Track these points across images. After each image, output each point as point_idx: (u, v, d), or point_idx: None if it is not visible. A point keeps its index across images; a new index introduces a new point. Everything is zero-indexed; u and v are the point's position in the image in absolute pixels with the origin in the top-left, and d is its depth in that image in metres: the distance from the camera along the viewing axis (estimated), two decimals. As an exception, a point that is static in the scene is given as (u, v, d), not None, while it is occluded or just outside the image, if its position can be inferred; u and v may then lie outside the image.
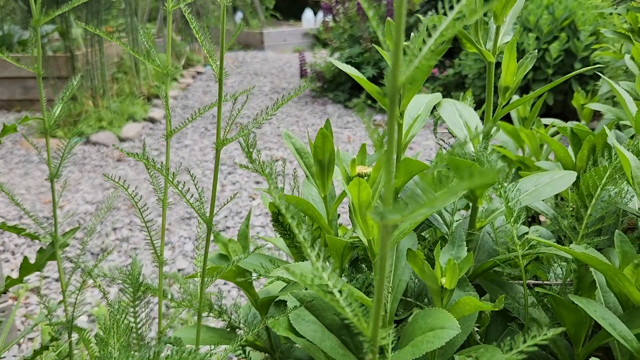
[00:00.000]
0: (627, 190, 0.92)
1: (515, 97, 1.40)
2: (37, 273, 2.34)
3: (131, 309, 0.84)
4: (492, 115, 0.77)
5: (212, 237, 0.90)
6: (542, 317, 0.73)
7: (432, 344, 0.56)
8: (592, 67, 0.77)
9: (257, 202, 3.03)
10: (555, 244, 0.63)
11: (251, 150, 0.77)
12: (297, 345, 0.94)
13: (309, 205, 0.74)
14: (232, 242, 0.85)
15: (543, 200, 0.95)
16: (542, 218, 1.26)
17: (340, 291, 0.36)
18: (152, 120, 4.45)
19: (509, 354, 0.36)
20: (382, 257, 0.32)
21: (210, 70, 6.73)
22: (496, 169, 0.68)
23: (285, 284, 0.82)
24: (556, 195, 1.15)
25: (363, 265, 0.76)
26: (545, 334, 0.36)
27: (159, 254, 0.69)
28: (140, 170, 3.50)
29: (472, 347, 0.66)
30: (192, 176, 0.64)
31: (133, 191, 0.79)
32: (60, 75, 4.16)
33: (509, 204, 0.64)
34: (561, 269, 0.82)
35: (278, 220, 0.84)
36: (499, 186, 0.69)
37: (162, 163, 0.63)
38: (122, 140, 3.99)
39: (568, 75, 0.70)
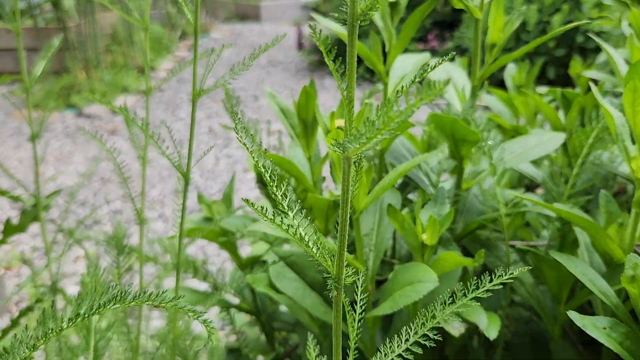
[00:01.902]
0: (618, 154, 0.91)
1: (513, 67, 1.38)
2: (31, 244, 2.34)
3: (115, 268, 0.84)
4: (479, 73, 0.75)
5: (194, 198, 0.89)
6: (526, 276, 0.73)
7: (410, 297, 0.56)
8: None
9: (251, 176, 3.02)
10: (540, 201, 0.62)
11: (234, 107, 0.76)
12: (282, 309, 0.94)
13: (292, 166, 0.73)
14: (216, 203, 0.84)
15: (536, 167, 0.94)
16: (539, 191, 1.25)
17: (307, 238, 0.35)
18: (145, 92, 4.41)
19: (474, 293, 0.35)
20: (344, 190, 0.31)
21: (207, 42, 6.65)
22: (480, 126, 0.67)
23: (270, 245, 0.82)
24: (552, 164, 1.14)
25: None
26: (512, 273, 0.35)
27: (139, 211, 0.68)
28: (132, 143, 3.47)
29: (455, 303, 0.66)
30: (168, 129, 0.63)
31: (126, 163, 0.77)
32: (53, 46, 4.10)
33: (493, 163, 0.63)
34: (548, 232, 0.81)
35: (263, 181, 0.83)
36: (484, 144, 0.68)
37: (142, 119, 0.62)
38: (114, 112, 3.96)
39: (548, 36, 0.68)
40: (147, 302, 0.41)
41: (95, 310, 0.39)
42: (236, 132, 0.35)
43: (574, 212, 0.62)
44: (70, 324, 0.38)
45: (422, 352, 0.61)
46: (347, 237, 0.34)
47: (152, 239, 1.04)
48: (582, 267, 0.62)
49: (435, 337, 0.36)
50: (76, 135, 3.58)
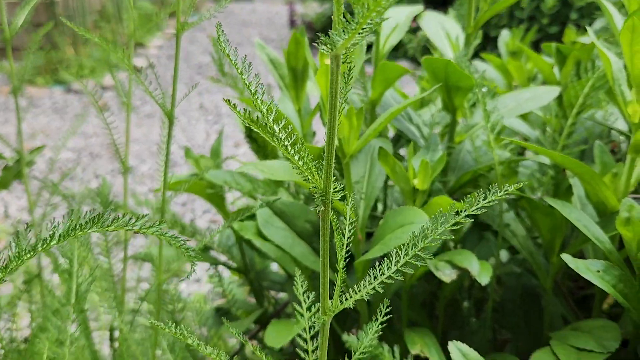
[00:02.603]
0: (612, 112, 0.90)
1: (507, 33, 1.36)
2: (17, 203, 2.31)
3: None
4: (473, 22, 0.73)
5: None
6: (519, 229, 0.72)
7: (401, 239, 0.54)
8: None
9: (243, 150, 3.00)
10: (533, 144, 0.61)
11: (223, 45, 0.74)
12: (272, 268, 0.93)
13: (282, 117, 0.71)
14: (204, 157, 0.82)
15: (530, 127, 0.92)
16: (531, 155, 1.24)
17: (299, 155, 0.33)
18: (135, 69, 4.35)
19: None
20: (332, 93, 0.30)
21: (197, 18, 6.56)
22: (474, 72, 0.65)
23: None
24: (545, 124, 1.13)
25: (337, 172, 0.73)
26: (507, 190, 0.34)
27: (123, 160, 0.66)
28: (123, 119, 3.44)
29: (447, 252, 0.65)
30: (155, 73, 0.61)
31: (117, 137, 0.75)
32: (40, 22, 4.03)
33: (487, 110, 0.62)
34: (542, 189, 0.80)
35: (251, 135, 0.82)
36: (477, 90, 0.66)
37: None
38: (104, 88, 3.91)
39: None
40: (127, 228, 0.39)
41: (74, 231, 0.37)
42: (227, 57, 0.33)
43: (570, 158, 0.61)
44: (45, 245, 0.36)
45: (413, 313, 0.59)
46: (334, 148, 0.33)
47: (140, 199, 1.02)
48: (576, 213, 0.61)
49: (426, 258, 0.35)
50: (65, 111, 3.53)
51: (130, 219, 0.39)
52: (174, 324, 0.39)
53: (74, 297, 0.55)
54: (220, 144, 0.84)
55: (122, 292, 0.70)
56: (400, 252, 0.36)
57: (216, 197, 0.77)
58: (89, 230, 0.39)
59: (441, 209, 0.59)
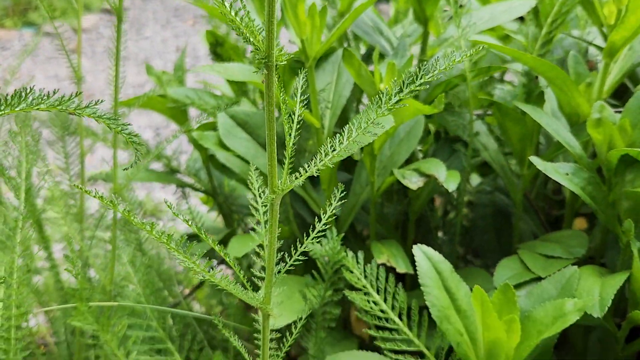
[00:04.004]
0: (590, 31, 0.88)
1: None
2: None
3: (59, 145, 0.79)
4: None
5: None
6: (490, 142, 0.70)
7: (366, 139, 0.52)
8: None
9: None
10: (504, 46, 0.58)
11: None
12: (240, 193, 0.91)
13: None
14: (166, 73, 0.78)
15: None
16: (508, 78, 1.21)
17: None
18: (109, 12, 4.20)
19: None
20: None
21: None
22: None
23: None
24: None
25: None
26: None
27: (76, 69, 0.62)
28: (97, 61, 3.33)
29: (414, 162, 0.63)
30: None
31: (88, 81, 0.71)
32: (6, -41, 3.83)
33: (457, 2, 0.59)
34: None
35: (216, 52, 0.78)
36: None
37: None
38: (75, 31, 3.77)
39: None
40: (76, 111, 0.36)
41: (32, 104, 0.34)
42: None
43: (543, 61, 0.58)
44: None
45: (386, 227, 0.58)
46: (275, 10, 0.30)
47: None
48: (547, 118, 0.59)
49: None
50: (36, 54, 3.41)
51: (70, 97, 0.36)
52: (150, 224, 0.36)
53: (24, 196, 0.52)
54: (183, 60, 0.80)
55: (81, 205, 0.67)
56: (353, 126, 0.34)
57: (178, 113, 0.74)
58: (17, 109, 0.36)
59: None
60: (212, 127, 0.72)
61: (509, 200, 0.81)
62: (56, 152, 0.81)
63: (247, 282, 0.39)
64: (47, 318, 0.86)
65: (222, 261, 0.89)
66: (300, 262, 0.38)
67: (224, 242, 0.81)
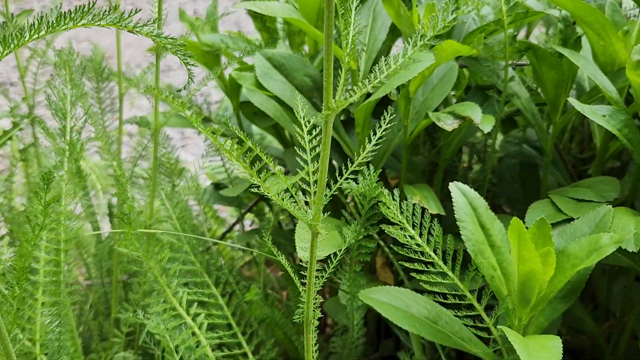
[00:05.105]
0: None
1: None
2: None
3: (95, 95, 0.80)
4: None
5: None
6: (522, 91, 0.70)
7: (405, 77, 0.53)
8: None
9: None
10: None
11: None
12: (268, 139, 0.92)
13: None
14: (199, 19, 0.79)
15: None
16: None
17: None
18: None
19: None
20: None
21: None
22: None
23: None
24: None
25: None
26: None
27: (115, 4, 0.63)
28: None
29: (449, 106, 0.64)
30: None
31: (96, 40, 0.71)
32: None
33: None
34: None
35: (256, 14, 0.78)
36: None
37: None
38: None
39: None
40: (116, 23, 0.37)
41: (63, 21, 0.35)
42: None
43: (582, 3, 0.58)
44: (34, 32, 0.34)
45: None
46: None
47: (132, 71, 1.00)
48: (585, 62, 0.59)
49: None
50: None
51: (122, 14, 0.37)
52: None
53: (69, 136, 0.54)
54: (215, 7, 0.81)
55: (119, 146, 0.69)
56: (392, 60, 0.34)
57: (211, 59, 0.75)
58: (79, 24, 0.37)
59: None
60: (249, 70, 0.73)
61: (536, 152, 0.81)
62: (90, 97, 0.83)
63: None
64: (83, 262, 0.89)
65: (250, 209, 0.91)
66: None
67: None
